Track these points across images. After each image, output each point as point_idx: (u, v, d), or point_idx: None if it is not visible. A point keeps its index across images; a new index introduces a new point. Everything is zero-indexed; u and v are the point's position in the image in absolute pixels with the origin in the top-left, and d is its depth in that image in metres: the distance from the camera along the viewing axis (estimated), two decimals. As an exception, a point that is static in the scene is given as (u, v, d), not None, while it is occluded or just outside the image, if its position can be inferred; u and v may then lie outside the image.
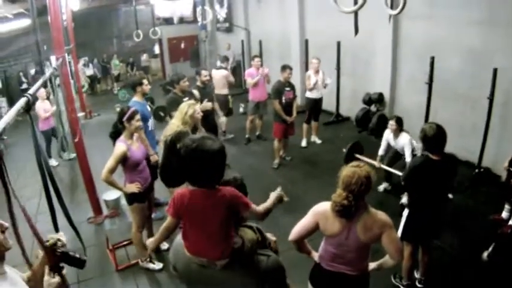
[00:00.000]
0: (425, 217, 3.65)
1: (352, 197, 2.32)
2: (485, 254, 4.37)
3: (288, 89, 6.57)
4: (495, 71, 5.67)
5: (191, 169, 1.74)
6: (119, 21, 15.20)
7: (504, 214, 5.05)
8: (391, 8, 4.67)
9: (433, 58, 6.39)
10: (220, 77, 8.06)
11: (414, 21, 7.36)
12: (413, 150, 5.27)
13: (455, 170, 3.71)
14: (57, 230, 2.55)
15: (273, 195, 2.21)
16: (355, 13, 4.45)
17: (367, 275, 2.72)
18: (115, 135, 3.89)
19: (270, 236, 2.20)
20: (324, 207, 2.52)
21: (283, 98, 6.52)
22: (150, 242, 2.53)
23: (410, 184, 3.69)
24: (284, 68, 6.62)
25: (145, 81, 4.92)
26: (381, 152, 5.69)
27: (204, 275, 1.79)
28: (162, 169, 4.14)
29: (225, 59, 9.93)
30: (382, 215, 2.50)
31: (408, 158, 5.21)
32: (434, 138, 3.35)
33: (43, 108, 7.45)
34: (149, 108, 5.22)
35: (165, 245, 4.45)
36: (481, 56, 6.24)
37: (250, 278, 1.76)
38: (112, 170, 3.60)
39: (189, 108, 4.01)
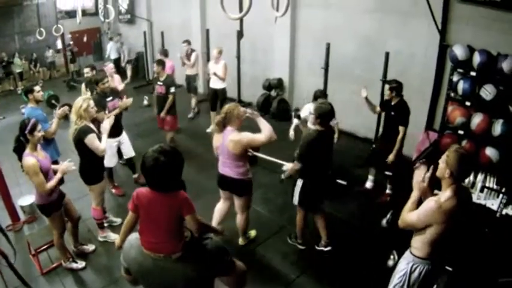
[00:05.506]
0: (318, 185, 4.04)
1: (223, 118, 3.86)
2: (384, 221, 4.80)
3: (159, 83, 6.52)
4: (387, 54, 6.21)
5: (149, 180, 1.89)
6: (20, 16, 14.00)
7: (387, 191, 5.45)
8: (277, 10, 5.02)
9: (328, 44, 6.80)
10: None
11: (311, 9, 7.72)
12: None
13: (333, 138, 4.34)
14: None
15: (219, 226, 2.81)
16: (241, 19, 4.58)
17: (247, 180, 4.00)
18: (19, 149, 3.77)
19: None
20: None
21: (155, 92, 6.68)
22: (116, 240, 2.86)
23: (307, 157, 3.91)
24: (154, 63, 6.62)
25: (36, 88, 5.03)
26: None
27: (158, 267, 1.92)
28: (80, 168, 4.34)
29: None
30: (244, 134, 3.81)
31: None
32: (328, 113, 3.82)
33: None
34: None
35: (92, 246, 4.63)
36: (375, 41, 6.76)
37: (200, 262, 1.92)
38: (44, 182, 3.64)
39: (84, 102, 4.12)
